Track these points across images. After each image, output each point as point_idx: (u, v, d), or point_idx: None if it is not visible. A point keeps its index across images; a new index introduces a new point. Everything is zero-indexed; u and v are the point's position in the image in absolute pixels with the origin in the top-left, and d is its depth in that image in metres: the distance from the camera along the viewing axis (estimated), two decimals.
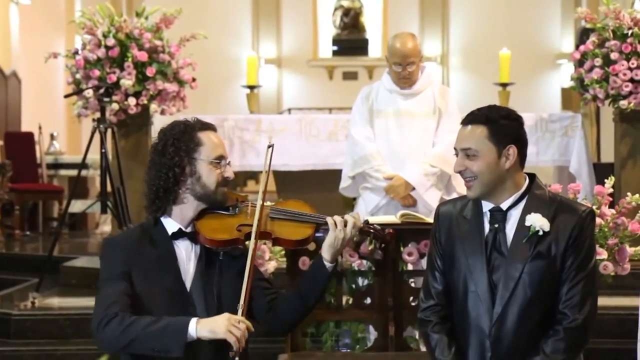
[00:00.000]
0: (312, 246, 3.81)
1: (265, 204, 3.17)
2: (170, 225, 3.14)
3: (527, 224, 3.06)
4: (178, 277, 3.09)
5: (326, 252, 3.15)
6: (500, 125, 3.09)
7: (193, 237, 3.14)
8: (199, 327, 2.90)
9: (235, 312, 2.97)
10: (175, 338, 2.90)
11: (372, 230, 3.23)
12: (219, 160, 3.14)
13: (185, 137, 3.12)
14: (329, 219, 3.15)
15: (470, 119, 3.14)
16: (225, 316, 2.93)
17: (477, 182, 3.10)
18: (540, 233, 3.05)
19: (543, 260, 3.05)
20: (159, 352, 2.91)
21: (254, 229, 3.07)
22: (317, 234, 3.20)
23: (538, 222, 3.04)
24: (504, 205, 3.12)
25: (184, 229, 3.14)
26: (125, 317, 2.92)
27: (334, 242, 3.13)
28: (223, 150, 3.17)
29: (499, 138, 3.08)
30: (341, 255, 4.20)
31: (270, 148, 3.18)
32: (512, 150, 3.09)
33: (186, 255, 3.13)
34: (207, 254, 3.15)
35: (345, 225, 3.13)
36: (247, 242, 3.13)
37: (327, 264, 3.15)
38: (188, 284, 3.11)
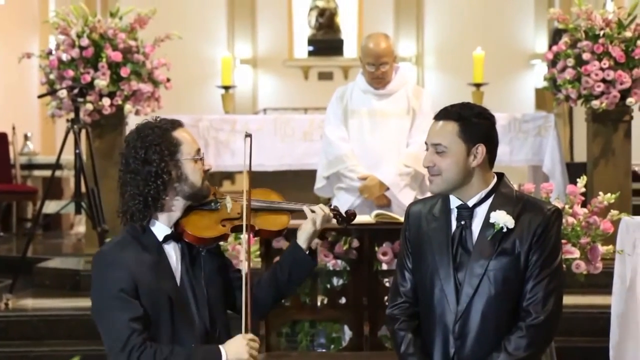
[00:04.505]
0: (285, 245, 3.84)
1: (243, 197, 3.18)
2: (159, 230, 3.10)
3: (492, 220, 3.06)
4: (174, 281, 3.08)
5: (302, 240, 3.25)
6: (472, 123, 3.09)
7: (176, 236, 3.12)
8: (229, 357, 2.98)
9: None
10: None
11: (334, 212, 3.34)
12: (198, 153, 3.13)
13: (164, 140, 3.07)
14: (304, 207, 3.25)
15: (443, 114, 3.14)
16: (240, 339, 3.01)
17: (440, 178, 3.10)
18: (504, 230, 3.05)
19: (507, 257, 3.06)
20: None
21: (243, 229, 3.09)
22: None
23: (502, 219, 3.05)
24: (471, 202, 3.12)
25: (171, 231, 3.11)
26: (157, 350, 2.93)
27: (310, 227, 3.25)
28: (197, 143, 3.18)
29: (469, 136, 3.08)
30: (316, 254, 4.21)
31: (249, 138, 3.15)
32: (481, 149, 3.09)
33: (175, 256, 3.11)
34: (189, 251, 3.13)
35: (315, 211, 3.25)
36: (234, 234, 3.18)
37: (304, 246, 3.25)
38: (179, 283, 3.10)
